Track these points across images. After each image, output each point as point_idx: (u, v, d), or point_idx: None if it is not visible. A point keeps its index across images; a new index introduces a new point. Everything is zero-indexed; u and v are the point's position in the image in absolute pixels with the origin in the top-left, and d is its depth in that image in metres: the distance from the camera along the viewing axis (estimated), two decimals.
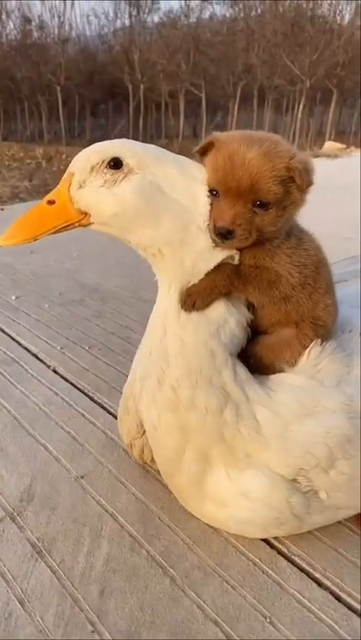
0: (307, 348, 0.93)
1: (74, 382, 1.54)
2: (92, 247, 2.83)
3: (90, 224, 0.87)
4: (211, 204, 0.85)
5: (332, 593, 0.92)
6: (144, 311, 2.04)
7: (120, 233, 0.88)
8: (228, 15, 19.90)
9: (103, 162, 0.83)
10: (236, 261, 0.87)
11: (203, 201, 0.85)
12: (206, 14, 21.00)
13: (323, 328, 0.94)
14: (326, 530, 1.02)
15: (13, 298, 2.16)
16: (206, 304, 0.88)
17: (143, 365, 0.97)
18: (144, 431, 1.07)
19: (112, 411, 1.41)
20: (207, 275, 0.87)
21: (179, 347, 0.89)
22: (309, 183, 0.83)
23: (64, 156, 15.56)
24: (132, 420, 1.10)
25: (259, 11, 18.72)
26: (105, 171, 0.83)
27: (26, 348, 1.74)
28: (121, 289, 2.28)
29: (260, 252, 0.86)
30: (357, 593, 0.91)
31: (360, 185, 4.26)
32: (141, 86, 19.28)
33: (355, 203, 3.59)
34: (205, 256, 0.87)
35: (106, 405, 1.43)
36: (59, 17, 21.07)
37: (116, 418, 1.36)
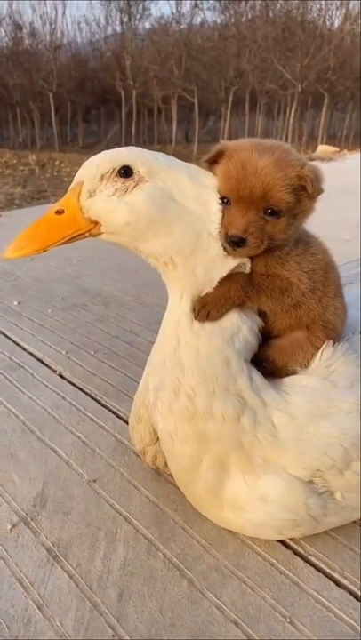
0: (318, 349, 0.94)
1: (81, 386, 1.54)
2: (92, 252, 2.83)
3: (100, 234, 0.86)
4: (222, 212, 0.85)
5: (350, 592, 0.92)
6: (147, 315, 2.07)
7: (131, 242, 0.87)
8: (218, 21, 20.07)
9: (113, 170, 0.83)
10: (247, 270, 0.87)
11: (214, 208, 0.85)
12: (197, 20, 21.17)
13: (333, 331, 0.94)
14: (341, 529, 1.02)
15: (15, 303, 2.15)
16: (221, 315, 0.87)
17: (157, 375, 0.96)
18: (157, 438, 1.07)
19: (121, 414, 1.40)
20: (220, 285, 0.87)
21: (194, 356, 0.88)
22: (320, 191, 0.84)
23: (57, 162, 15.55)
24: (145, 427, 1.09)
25: (249, 16, 18.87)
26: (115, 179, 0.83)
27: (30, 353, 1.73)
28: (123, 293, 2.28)
29: (270, 259, 0.86)
30: None
31: (359, 187, 4.29)
32: (134, 92, 19.34)
33: (351, 205, 3.62)
34: (217, 264, 0.87)
35: (114, 409, 1.43)
36: (50, 24, 21.10)
37: (125, 421, 1.37)
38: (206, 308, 0.87)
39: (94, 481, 1.17)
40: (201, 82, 18.08)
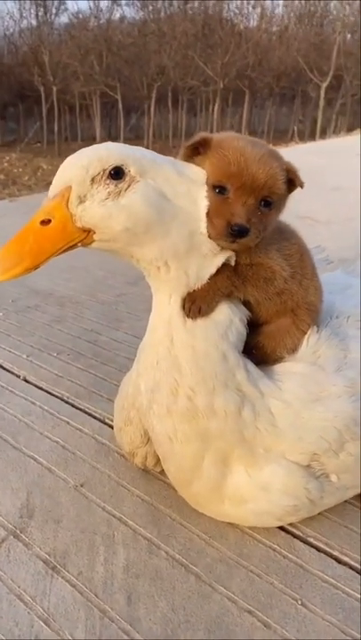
0: (305, 333, 0.96)
1: (49, 390, 1.48)
2: None
3: (92, 242, 0.80)
4: (211, 203, 0.81)
5: (352, 568, 0.95)
6: (106, 313, 2.03)
7: (125, 248, 0.82)
8: (138, 17, 19.99)
9: (104, 171, 0.76)
10: (233, 262, 0.86)
11: (203, 204, 0.82)
12: (116, 16, 20.96)
13: (315, 312, 0.97)
14: (334, 509, 1.05)
15: None
16: (212, 308, 0.86)
17: (150, 376, 0.92)
18: (147, 440, 1.05)
19: (97, 415, 1.37)
20: (207, 280, 0.86)
21: (190, 354, 0.86)
22: (303, 185, 0.86)
23: None
24: (135, 429, 1.07)
25: (168, 12, 18.95)
26: (108, 182, 0.76)
27: None
28: (76, 292, 2.22)
29: (254, 249, 0.85)
30: None
31: None
32: (54, 88, 18.84)
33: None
34: (209, 261, 0.84)
35: (89, 411, 1.39)
36: None
37: (102, 422, 1.33)
38: (197, 304, 0.86)
39: (81, 485, 1.13)
40: (123, 78, 17.95)
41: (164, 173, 0.81)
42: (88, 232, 0.78)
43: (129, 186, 0.77)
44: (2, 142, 20.71)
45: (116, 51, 17.90)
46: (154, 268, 0.84)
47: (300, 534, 1.01)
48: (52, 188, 0.79)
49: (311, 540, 1.00)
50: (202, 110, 21.45)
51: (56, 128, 20.11)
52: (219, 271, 0.86)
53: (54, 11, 21.25)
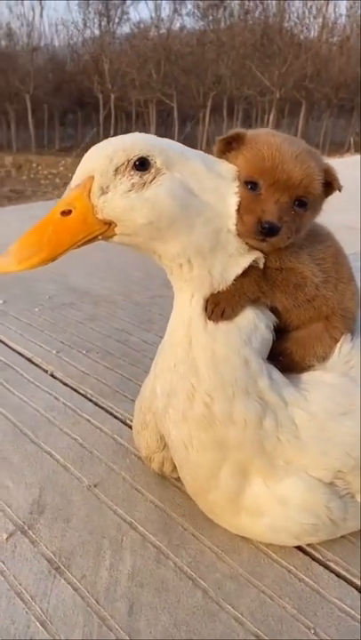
0: (337, 341, 0.89)
1: (75, 387, 1.46)
2: (77, 250, 2.74)
3: (113, 236, 0.77)
4: (243, 199, 0.77)
5: None
6: (138, 314, 2.00)
7: (147, 243, 0.78)
8: (197, 27, 20.16)
9: (129, 162, 0.73)
10: (261, 265, 0.81)
11: (232, 201, 0.77)
12: (177, 25, 21.23)
13: (351, 319, 0.90)
14: (358, 534, 0.97)
15: (0, 302, 2.06)
16: (236, 313, 0.81)
17: (167, 379, 0.88)
18: (164, 445, 1.01)
19: (118, 415, 1.34)
20: (233, 281, 0.81)
21: (210, 359, 0.81)
22: (341, 188, 0.81)
23: (34, 165, 15.37)
24: (152, 434, 1.03)
25: (228, 22, 19.03)
26: (132, 173, 0.73)
27: (19, 353, 1.65)
28: (112, 292, 2.21)
29: (284, 253, 0.80)
30: None
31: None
32: (112, 96, 19.25)
33: (335, 208, 3.62)
34: (234, 262, 0.80)
35: (111, 410, 1.36)
36: (27, 25, 20.91)
37: (123, 423, 1.30)
38: (220, 307, 0.81)
39: (95, 486, 1.10)
40: (180, 86, 18.12)
41: (192, 167, 0.77)
42: (109, 225, 0.75)
43: (154, 178, 0.74)
44: (60, 147, 21.31)
45: (175, 60, 18.11)
46: (176, 266, 0.80)
47: (320, 557, 0.94)
48: (74, 177, 0.76)
49: (331, 564, 0.93)
50: (257, 120, 21.35)
51: (112, 134, 20.54)
52: (246, 274, 0.81)
53: (117, 20, 21.76)
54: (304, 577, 0.90)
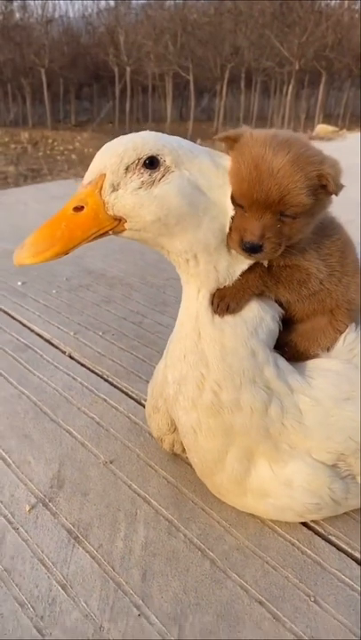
0: (341, 332, 0.93)
1: (91, 368, 1.53)
2: None
3: (123, 231, 0.80)
4: (234, 214, 0.80)
5: None
6: (153, 296, 2.05)
7: (155, 238, 0.81)
8: None
9: (139, 160, 0.76)
10: (265, 262, 0.84)
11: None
12: None
13: (355, 312, 0.93)
14: (358, 510, 1.02)
15: (19, 284, 2.12)
16: (241, 307, 0.85)
17: (177, 369, 0.92)
18: (175, 428, 1.06)
19: (133, 395, 1.40)
20: (238, 277, 0.84)
21: (219, 350, 0.85)
22: (341, 187, 0.78)
23: (50, 141, 15.29)
24: (163, 417, 1.09)
25: None
26: (142, 171, 0.76)
27: (38, 334, 1.72)
28: (127, 274, 2.26)
29: (290, 250, 0.82)
30: None
31: (359, 168, 4.24)
32: (127, 69, 18.95)
33: (354, 185, 3.57)
34: (240, 258, 0.83)
35: (127, 390, 1.42)
36: None
37: (138, 403, 1.36)
38: (225, 301, 0.84)
39: (111, 462, 1.17)
40: (196, 58, 17.74)
41: (200, 164, 0.80)
42: (119, 220, 0.79)
43: (163, 176, 0.77)
44: (75, 122, 21.14)
45: (191, 30, 17.70)
46: (183, 261, 0.84)
47: (322, 532, 1.00)
48: (86, 174, 0.80)
49: (333, 538, 0.99)
50: (276, 92, 20.87)
51: (128, 108, 20.27)
52: (251, 269, 0.84)
53: None
54: (307, 550, 0.96)
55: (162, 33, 17.65)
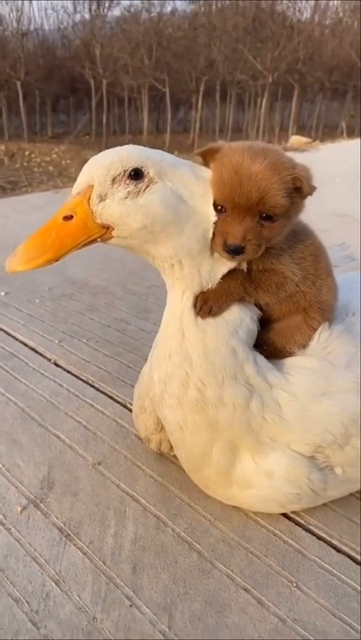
0: (315, 330, 0.99)
1: (77, 374, 1.56)
2: None
3: (110, 238, 0.85)
4: (217, 219, 0.85)
5: (350, 557, 0.98)
6: (136, 303, 2.10)
7: (141, 245, 0.87)
8: (189, 10, 19.94)
9: (125, 172, 0.81)
10: (244, 268, 0.90)
11: (212, 210, 0.86)
12: (168, 9, 20.96)
13: (328, 311, 0.99)
14: (339, 501, 1.08)
15: (2, 294, 2.15)
16: (222, 310, 0.90)
17: (162, 369, 0.97)
18: (161, 427, 1.11)
19: (119, 400, 1.44)
20: (221, 281, 0.90)
21: (202, 349, 0.91)
22: (314, 189, 0.85)
23: (27, 153, 15.26)
24: (149, 417, 1.13)
25: (219, 5, 18.82)
26: (127, 182, 0.81)
27: (23, 343, 1.74)
28: (109, 283, 2.30)
29: (266, 255, 0.88)
30: None
31: (335, 177, 4.37)
32: (104, 81, 19.06)
33: (328, 195, 3.69)
34: (221, 261, 0.89)
35: (112, 395, 1.46)
36: (17, 10, 20.59)
37: (123, 406, 1.41)
38: (208, 304, 0.90)
39: (99, 463, 1.20)
40: (172, 71, 17.97)
41: (181, 176, 0.86)
42: (107, 228, 0.84)
43: (147, 186, 0.82)
44: (52, 134, 21.13)
45: (166, 44, 17.94)
46: (168, 266, 0.89)
47: (303, 522, 1.05)
48: (75, 186, 0.85)
49: (312, 528, 1.04)
50: (250, 105, 21.22)
51: (105, 121, 20.36)
52: (233, 276, 0.90)
53: (107, 4, 21.46)
54: (288, 539, 1.01)
55: (137, 46, 17.84)
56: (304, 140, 8.22)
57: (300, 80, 17.63)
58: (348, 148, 6.65)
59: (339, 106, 22.68)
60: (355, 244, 1.68)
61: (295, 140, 8.08)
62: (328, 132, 18.31)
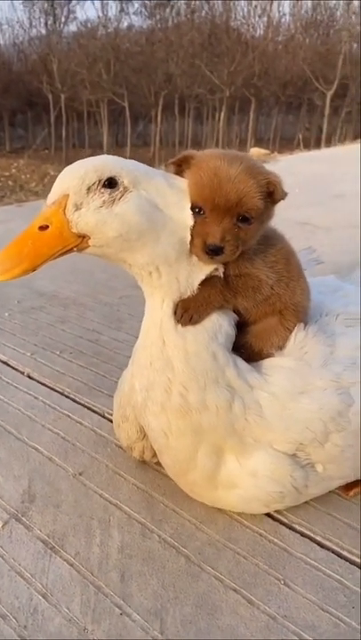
0: (291, 331, 1.01)
1: (52, 386, 1.54)
2: None
3: (86, 247, 0.85)
4: (194, 222, 0.87)
5: (334, 552, 1.00)
6: (107, 314, 2.09)
7: (117, 254, 0.87)
8: (145, 26, 20.23)
9: (100, 181, 0.82)
10: (221, 274, 0.92)
11: (188, 215, 0.87)
12: (124, 25, 21.20)
13: (302, 312, 1.02)
14: (319, 498, 1.10)
15: None
16: (202, 319, 0.92)
17: (144, 376, 0.98)
18: (144, 435, 1.10)
19: (96, 410, 1.43)
20: (200, 289, 0.91)
21: (183, 356, 0.91)
22: (286, 194, 0.89)
23: None
24: (132, 426, 1.13)
25: (175, 21, 19.18)
26: (102, 191, 0.82)
27: None
28: (79, 294, 2.28)
29: (241, 260, 0.90)
30: (357, 549, 1.00)
31: (295, 187, 4.48)
32: (62, 96, 19.06)
33: (289, 205, 3.77)
34: (198, 268, 0.90)
35: (89, 405, 1.45)
36: None
37: (101, 416, 1.40)
38: (189, 313, 0.91)
39: (80, 474, 1.19)
40: (131, 86, 18.14)
41: (155, 185, 0.87)
42: (83, 238, 0.84)
43: (122, 195, 0.83)
44: (10, 149, 20.93)
45: (124, 59, 18.11)
46: (146, 274, 0.90)
47: (286, 521, 1.07)
48: (50, 195, 0.85)
49: (296, 526, 1.06)
50: (208, 118, 21.60)
51: (64, 135, 20.31)
52: (212, 284, 0.92)
53: (63, 20, 21.53)
54: (273, 538, 1.03)
55: (95, 61, 17.94)
56: (263, 151, 8.40)
57: (256, 94, 18.08)
58: (307, 159, 6.84)
59: (294, 119, 23.36)
60: (318, 249, 1.73)
61: (255, 151, 8.25)
62: (285, 144, 18.79)
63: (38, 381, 1.57)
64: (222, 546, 1.01)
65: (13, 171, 14.33)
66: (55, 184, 0.85)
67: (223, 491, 1.00)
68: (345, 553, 1.00)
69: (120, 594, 0.91)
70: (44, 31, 22.12)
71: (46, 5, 21.31)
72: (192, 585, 0.93)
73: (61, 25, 21.66)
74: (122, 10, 20.73)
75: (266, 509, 1.05)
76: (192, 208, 0.87)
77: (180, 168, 0.91)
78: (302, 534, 1.04)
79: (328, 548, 1.01)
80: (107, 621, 0.87)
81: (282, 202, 0.90)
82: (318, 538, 1.03)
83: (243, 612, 0.89)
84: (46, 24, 21.72)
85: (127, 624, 0.86)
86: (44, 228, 0.82)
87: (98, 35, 19.96)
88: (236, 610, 0.89)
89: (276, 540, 1.02)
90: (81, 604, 0.89)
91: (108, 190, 0.82)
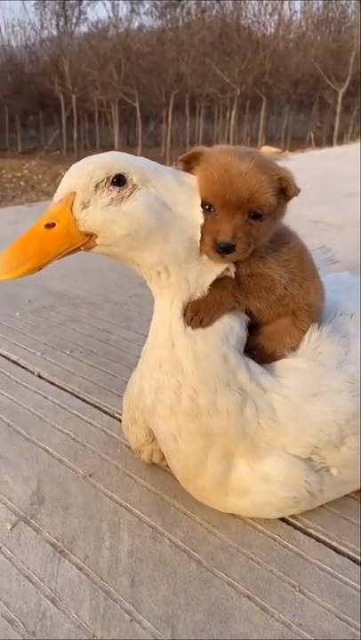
0: (305, 332, 0.98)
1: (62, 386, 1.53)
2: None
3: (94, 246, 0.83)
4: (205, 219, 0.84)
5: (350, 558, 0.97)
6: (117, 313, 2.07)
7: (126, 253, 0.85)
8: (156, 26, 20.23)
9: (108, 179, 0.79)
10: (232, 274, 0.89)
11: (198, 213, 0.84)
12: (135, 25, 21.23)
13: (316, 312, 0.99)
14: (335, 502, 1.07)
15: None
16: (213, 321, 0.89)
17: (153, 379, 0.95)
18: (153, 438, 1.08)
19: (107, 410, 1.41)
20: (211, 291, 0.88)
21: (193, 358, 0.89)
22: (299, 190, 0.86)
23: None
24: (141, 429, 1.10)
25: (186, 21, 19.17)
26: (111, 188, 0.79)
27: (4, 356, 1.70)
28: (89, 293, 2.27)
29: (253, 259, 0.87)
30: None
31: (307, 185, 4.44)
32: (73, 97, 19.12)
33: (301, 202, 3.73)
34: (208, 269, 0.88)
35: (99, 405, 1.43)
36: None
37: (112, 416, 1.38)
38: (200, 315, 0.88)
39: (90, 475, 1.17)
40: (141, 86, 18.14)
41: (165, 182, 0.84)
42: (91, 236, 0.82)
43: (131, 193, 0.80)
44: (22, 150, 21.05)
45: (135, 59, 18.12)
46: (155, 273, 0.88)
47: (301, 525, 1.04)
48: (57, 193, 0.82)
49: (311, 531, 1.03)
50: (219, 117, 21.54)
51: (75, 136, 20.37)
52: (223, 285, 0.89)
53: (74, 20, 21.61)
54: (288, 544, 1.00)
55: (106, 62, 17.97)
56: (274, 149, 8.34)
57: (267, 92, 17.98)
58: (318, 157, 6.78)
59: (305, 117, 23.22)
60: (327, 246, 1.69)
61: (266, 150, 8.19)
62: (296, 143, 18.68)
63: (48, 381, 1.56)
64: (235, 551, 0.98)
65: (25, 171, 14.40)
66: (62, 181, 0.83)
67: (234, 497, 0.97)
68: None
69: (130, 599, 0.89)
70: (55, 32, 22.24)
71: (57, 7, 21.42)
72: (204, 591, 0.91)
73: (72, 26, 21.75)
74: (132, 10, 20.78)
75: (280, 514, 1.02)
76: (202, 205, 0.84)
77: (189, 165, 0.89)
78: (318, 539, 1.01)
79: (344, 554, 0.98)
80: (117, 628, 0.84)
81: (294, 199, 0.87)
82: (334, 543, 1.00)
83: (256, 619, 0.86)
84: (57, 25, 21.83)
85: (137, 631, 0.84)
86: (50, 226, 0.80)
87: (109, 35, 20.00)
88: (249, 617, 0.86)
89: (290, 545, 0.99)
90: (90, 610, 0.87)
91: (117, 188, 0.80)
